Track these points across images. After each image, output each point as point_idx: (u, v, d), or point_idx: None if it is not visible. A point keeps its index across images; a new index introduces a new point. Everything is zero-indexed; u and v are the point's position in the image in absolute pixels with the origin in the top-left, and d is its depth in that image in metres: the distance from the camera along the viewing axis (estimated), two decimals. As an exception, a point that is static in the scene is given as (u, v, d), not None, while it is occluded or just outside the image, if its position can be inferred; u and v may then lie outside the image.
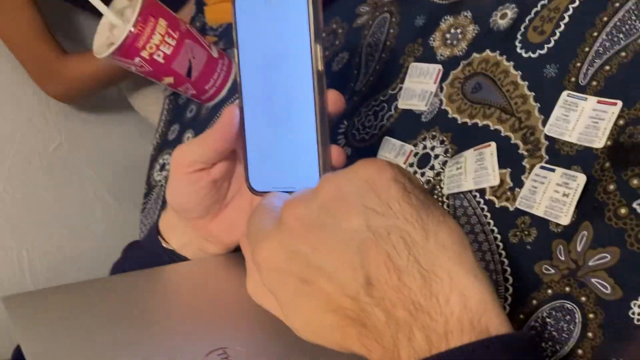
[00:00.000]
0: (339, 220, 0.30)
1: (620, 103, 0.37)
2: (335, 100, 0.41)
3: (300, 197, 0.33)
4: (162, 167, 0.76)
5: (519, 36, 0.45)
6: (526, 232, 0.39)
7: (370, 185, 0.30)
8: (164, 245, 0.54)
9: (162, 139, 0.79)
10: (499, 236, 0.40)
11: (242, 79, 0.44)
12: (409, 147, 0.48)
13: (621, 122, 0.37)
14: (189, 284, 0.50)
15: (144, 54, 0.65)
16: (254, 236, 0.35)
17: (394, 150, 0.49)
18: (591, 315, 0.34)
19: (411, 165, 0.47)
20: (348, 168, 0.32)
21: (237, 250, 0.53)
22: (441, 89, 0.48)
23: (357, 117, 0.54)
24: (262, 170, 0.44)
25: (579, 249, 0.36)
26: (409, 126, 0.49)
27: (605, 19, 0.40)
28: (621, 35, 0.39)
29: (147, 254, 0.55)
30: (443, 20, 0.51)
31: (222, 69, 0.71)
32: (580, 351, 0.34)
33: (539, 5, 0.44)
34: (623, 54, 0.39)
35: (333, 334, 0.30)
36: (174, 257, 0.53)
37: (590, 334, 0.34)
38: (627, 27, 0.39)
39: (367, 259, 0.29)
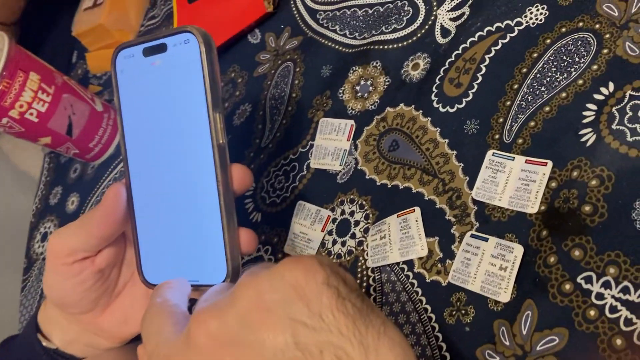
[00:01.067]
0: (261, 337, 0.25)
1: (550, 163, 0.35)
2: (241, 176, 0.36)
3: (212, 306, 0.27)
4: (44, 237, 0.67)
5: (434, 89, 0.41)
6: (463, 311, 0.35)
7: (297, 292, 0.25)
8: (44, 344, 0.45)
9: (43, 204, 0.69)
10: (433, 316, 0.36)
11: (128, 153, 0.38)
12: (326, 213, 0.43)
13: (553, 184, 0.34)
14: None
15: (13, 113, 0.56)
16: (157, 349, 0.28)
17: (309, 217, 0.44)
18: (544, 408, 0.30)
19: (330, 233, 0.42)
20: (271, 270, 0.26)
21: (135, 340, 0.46)
22: (355, 146, 0.44)
23: (266, 178, 0.48)
24: (158, 259, 0.37)
25: (524, 331, 0.32)
26: (324, 188, 0.44)
27: (524, 70, 0.38)
28: (543, 88, 0.37)
29: (23, 354, 0.46)
30: (351, 71, 0.47)
31: (109, 124, 0.63)
32: None
33: (453, 55, 0.41)
34: (547, 108, 0.36)
35: None
36: (56, 358, 0.45)
37: None
38: (547, 79, 0.37)
39: None
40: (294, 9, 0.54)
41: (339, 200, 0.43)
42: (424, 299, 0.37)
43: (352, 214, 0.42)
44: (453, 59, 0.41)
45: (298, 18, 0.53)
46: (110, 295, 0.43)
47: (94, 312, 0.43)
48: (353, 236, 0.41)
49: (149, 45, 0.36)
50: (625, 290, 0.30)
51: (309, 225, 0.44)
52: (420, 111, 0.41)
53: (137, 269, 0.39)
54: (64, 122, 0.60)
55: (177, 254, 0.36)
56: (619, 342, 0.29)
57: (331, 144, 0.45)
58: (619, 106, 0.33)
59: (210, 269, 0.35)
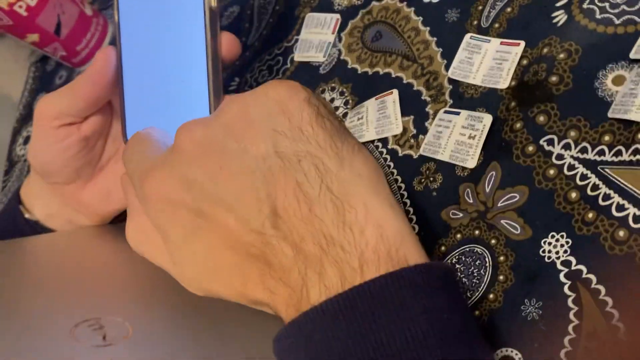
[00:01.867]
0: (244, 145, 0.27)
1: (522, 43, 0.36)
2: (230, 44, 0.37)
3: (198, 119, 0.28)
4: (27, 140, 0.67)
5: (419, -18, 0.43)
6: (431, 179, 0.37)
7: (280, 107, 0.27)
8: (26, 215, 0.46)
9: (27, 110, 0.70)
10: (403, 185, 0.38)
11: (121, 16, 0.38)
12: None
13: (524, 62, 0.36)
14: (54, 255, 0.44)
15: (2, 3, 0.57)
16: (139, 166, 0.29)
17: None
18: (502, 258, 0.32)
19: (309, 118, 0.44)
20: (256, 89, 0.28)
21: (113, 222, 0.47)
22: (340, 39, 0.45)
23: (250, 74, 0.50)
24: (144, 125, 0.38)
25: (487, 190, 0.34)
26: (307, 79, 0.46)
27: (505, -39, 0.39)
28: (521, -22, 0.38)
29: (5, 225, 0.47)
30: (340, -30, 0.48)
31: (97, 29, 0.64)
32: (491, 295, 0.32)
33: (438, -49, 0.43)
34: (524, -5, 0.38)
35: (231, 279, 0.26)
36: (37, 229, 0.46)
37: (501, 277, 0.32)
38: (527, -31, 0.38)
39: (275, 187, 0.26)
40: None
41: (320, 89, 0.45)
42: (395, 171, 0.38)
43: (332, 100, 0.44)
44: (438, -46, 0.43)
45: None
46: (94, 167, 0.44)
47: (76, 184, 0.44)
48: (332, 121, 0.43)
49: None
50: (584, 150, 0.32)
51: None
52: (405, 2, 0.43)
53: (122, 135, 0.40)
54: (52, 21, 0.60)
55: (164, 119, 0.37)
56: (573, 195, 0.31)
57: (316, 37, 0.47)
58: (591, -13, 0.35)
59: None
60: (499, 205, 0.33)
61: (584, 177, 0.31)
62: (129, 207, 0.31)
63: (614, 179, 0.30)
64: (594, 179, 0.31)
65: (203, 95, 0.36)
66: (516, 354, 0.30)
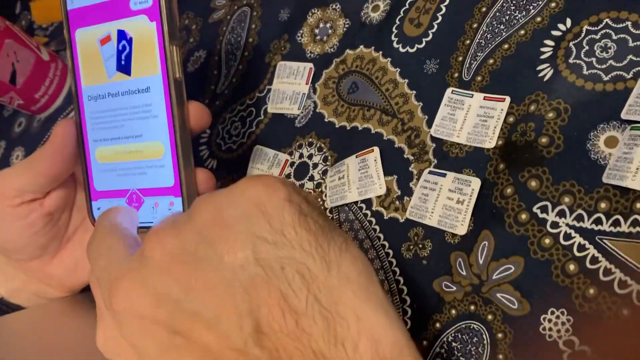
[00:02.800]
0: (220, 253, 0.24)
1: (508, 99, 0.35)
2: (198, 114, 0.35)
3: (168, 223, 0.26)
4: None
5: (394, 29, 0.41)
6: (420, 245, 0.35)
7: (259, 208, 0.24)
8: None
9: (-14, 159, 0.66)
10: (390, 251, 0.36)
11: (79, 86, 0.36)
12: (284, 157, 0.42)
13: (511, 119, 0.34)
14: (21, 338, 0.41)
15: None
16: (106, 272, 0.27)
17: (267, 161, 0.43)
18: (500, 335, 0.31)
19: (288, 176, 0.42)
20: (230, 187, 0.25)
21: (84, 290, 0.44)
22: (314, 90, 0.43)
23: (222, 125, 0.47)
24: (109, 197, 0.36)
25: (480, 261, 0.32)
26: (282, 133, 0.44)
27: (483, 9, 0.38)
28: (502, 27, 0.37)
29: None
30: (310, 14, 0.46)
31: (56, 74, 0.60)
32: (491, 376, 0.30)
33: (413, -4, 0.41)
34: (505, 46, 0.36)
35: None
36: (1, 307, 0.43)
37: (500, 356, 0.30)
38: (507, 17, 0.37)
39: (257, 301, 0.23)
40: (251, -47, 0.52)
41: (297, 144, 0.42)
42: (381, 235, 0.36)
43: (310, 157, 0.41)
44: (413, -1, 0.41)
45: (255, -38, 0.51)
46: (60, 240, 0.41)
47: (42, 259, 0.41)
48: (311, 179, 0.41)
49: None
50: (579, 218, 0.30)
51: (267, 169, 0.43)
52: (381, 52, 0.41)
53: (87, 210, 0.38)
54: (6, 70, 0.57)
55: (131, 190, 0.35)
56: (572, 267, 0.30)
57: (289, 88, 0.44)
58: (576, 41, 0.33)
59: (166, 209, 0.34)
60: (494, 277, 0.32)
61: (581, 247, 0.30)
62: (98, 311, 0.29)
63: (614, 252, 0.29)
64: (592, 251, 0.30)
65: (169, 166, 0.34)
66: None
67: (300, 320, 0.23)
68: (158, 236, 0.25)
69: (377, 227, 0.37)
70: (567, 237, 0.30)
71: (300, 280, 0.23)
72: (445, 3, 0.39)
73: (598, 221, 0.30)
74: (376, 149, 0.38)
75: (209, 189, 0.35)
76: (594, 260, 0.29)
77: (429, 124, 0.37)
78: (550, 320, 0.30)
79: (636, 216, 0.29)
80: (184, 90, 0.34)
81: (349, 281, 0.24)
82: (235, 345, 0.23)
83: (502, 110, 0.35)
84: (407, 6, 0.41)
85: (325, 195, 0.39)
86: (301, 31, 0.46)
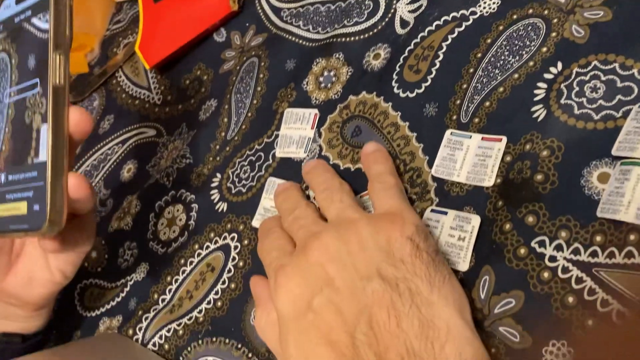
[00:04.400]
0: (358, 267, 0.32)
1: (504, 139, 0.36)
2: (79, 120, 0.35)
3: (329, 229, 0.35)
4: None
5: (394, 76, 0.43)
6: (425, 282, 0.36)
7: (389, 243, 0.33)
8: None
9: None
10: (396, 289, 0.37)
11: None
12: None
13: (508, 158, 0.36)
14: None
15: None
16: (277, 261, 0.36)
17: None
18: (503, 368, 0.31)
19: (294, 218, 0.43)
20: (376, 217, 0.35)
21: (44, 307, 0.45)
22: (319, 134, 0.45)
23: (232, 169, 0.49)
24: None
25: (482, 296, 0.33)
26: (290, 175, 0.45)
27: (479, 55, 0.40)
28: (497, 71, 0.39)
29: None
30: (315, 63, 0.48)
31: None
32: (496, 410, 0.31)
33: (412, 44, 0.43)
34: (500, 89, 0.38)
35: None
36: None
37: (504, 390, 0.31)
38: (501, 62, 0.39)
39: (373, 302, 0.30)
40: (258, 7, 0.55)
41: (304, 185, 0.44)
42: (387, 273, 0.37)
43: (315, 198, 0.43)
44: (412, 47, 0.43)
45: (262, 16, 0.54)
46: (10, 256, 0.42)
47: None
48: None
49: None
50: (576, 252, 0.31)
51: (275, 210, 0.44)
52: (382, 97, 0.43)
53: None
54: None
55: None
56: (570, 299, 0.31)
57: (296, 133, 0.46)
58: (567, 82, 0.35)
59: (34, 214, 0.34)
60: (496, 312, 0.33)
61: (579, 280, 0.31)
62: (258, 296, 0.39)
63: (610, 283, 0.30)
64: (589, 283, 0.31)
65: (42, 173, 0.34)
66: None
67: (401, 322, 0.29)
68: (321, 238, 0.34)
69: (382, 265, 0.38)
70: (565, 270, 0.31)
71: (409, 294, 0.30)
72: (443, 50, 0.42)
73: (594, 254, 0.31)
74: (380, 190, 0.40)
75: (82, 195, 0.35)
76: (591, 291, 0.30)
77: (430, 164, 0.39)
78: (552, 352, 0.30)
79: (630, 248, 0.30)
80: (66, 97, 0.34)
81: (447, 301, 0.30)
82: (349, 329, 0.30)
83: (499, 149, 0.36)
84: (407, 54, 0.43)
85: (332, 235, 0.41)
86: (307, 79, 0.48)
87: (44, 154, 0.33)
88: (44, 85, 0.34)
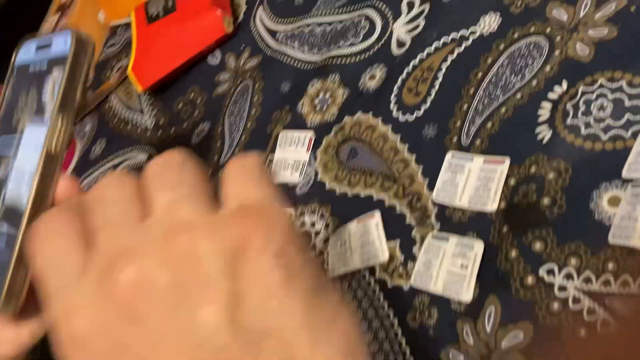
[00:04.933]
0: (188, 305, 0.20)
1: (507, 161, 0.34)
2: (63, 192, 0.29)
3: (153, 246, 0.21)
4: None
5: (392, 98, 0.41)
6: (426, 314, 0.34)
7: (243, 265, 0.20)
8: None
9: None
10: (395, 321, 0.35)
11: None
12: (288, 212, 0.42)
13: (512, 181, 0.34)
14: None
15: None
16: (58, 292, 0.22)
17: None
18: (512, 407, 0.29)
19: (288, 245, 0.41)
20: (225, 218, 0.21)
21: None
22: (315, 157, 0.43)
23: (223, 195, 0.47)
24: None
25: (487, 329, 0.31)
26: (285, 200, 0.43)
27: (479, 75, 0.38)
28: (498, 91, 0.37)
29: None
30: (310, 85, 0.47)
31: None
32: None
33: (410, 66, 0.42)
34: (503, 110, 0.36)
35: None
36: None
37: None
38: (503, 82, 0.37)
39: None
40: (253, 29, 0.54)
41: (299, 211, 0.42)
42: (386, 304, 0.35)
43: (312, 224, 0.41)
44: (410, 69, 0.42)
45: (257, 38, 0.53)
46: None
47: None
48: (313, 247, 0.40)
49: (39, 43, 0.35)
50: (587, 280, 0.29)
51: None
52: (380, 118, 0.41)
53: None
54: None
55: None
56: (582, 332, 0.29)
57: (291, 156, 0.45)
58: (573, 102, 0.34)
59: None
60: (503, 347, 0.30)
61: (591, 311, 0.29)
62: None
63: (621, 313, 0.28)
64: (602, 314, 0.29)
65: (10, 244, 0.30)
66: None
67: None
68: (133, 263, 0.20)
69: (381, 296, 0.36)
70: (576, 301, 0.29)
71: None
72: (442, 71, 0.40)
73: (607, 282, 0.29)
74: (377, 214, 0.38)
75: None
76: (605, 324, 0.28)
77: (430, 187, 0.37)
78: (564, 390, 0.28)
79: (646, 277, 0.28)
80: (57, 167, 0.30)
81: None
82: None
83: (502, 172, 0.34)
84: (405, 75, 0.42)
85: (328, 264, 0.39)
86: (302, 101, 0.47)
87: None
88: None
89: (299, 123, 0.46)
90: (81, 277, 0.21)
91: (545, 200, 0.32)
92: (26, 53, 0.35)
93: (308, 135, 0.44)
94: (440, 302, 0.33)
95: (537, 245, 0.31)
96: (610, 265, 0.29)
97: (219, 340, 0.19)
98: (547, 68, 0.36)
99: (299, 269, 0.20)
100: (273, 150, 0.46)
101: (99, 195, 0.23)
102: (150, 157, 0.55)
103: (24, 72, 0.35)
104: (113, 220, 0.22)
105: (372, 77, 0.44)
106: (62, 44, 0.33)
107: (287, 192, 0.44)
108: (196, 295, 0.19)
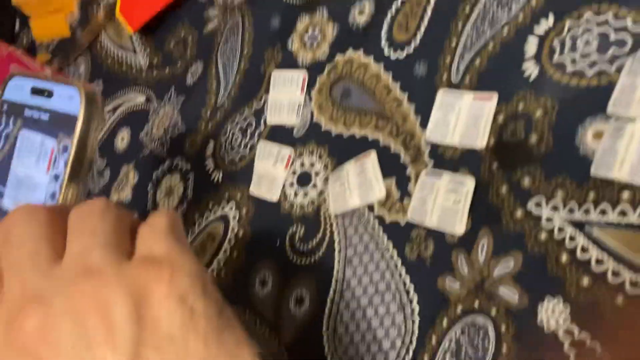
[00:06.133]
0: (92, 350, 0.21)
1: (495, 97, 0.36)
2: None
3: (59, 293, 0.22)
4: None
5: (383, 34, 0.42)
6: (423, 246, 0.36)
7: (148, 308, 0.21)
8: None
9: None
10: (395, 253, 0.37)
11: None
12: (287, 151, 0.44)
13: (501, 118, 0.35)
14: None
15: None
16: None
17: (271, 156, 0.45)
18: (503, 328, 0.32)
19: (291, 185, 0.43)
20: (132, 267, 0.22)
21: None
22: (310, 98, 0.44)
23: (224, 136, 0.49)
24: None
25: (481, 259, 0.34)
26: (282, 141, 0.45)
27: (467, 9, 0.39)
28: (486, 26, 0.38)
29: None
30: (299, 21, 0.47)
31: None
32: (497, 368, 0.32)
33: (399, 1, 0.42)
34: (490, 45, 0.37)
35: None
36: None
37: (504, 349, 0.32)
38: (490, 16, 0.38)
39: None
40: (238, -38, 0.53)
41: (298, 152, 0.44)
42: (385, 238, 0.38)
43: (312, 165, 0.43)
44: (399, 4, 0.42)
45: (243, -28, 0.52)
46: None
47: None
48: (314, 186, 0.42)
49: (38, 85, 0.32)
50: (571, 211, 0.32)
51: (272, 165, 0.44)
52: (371, 56, 0.42)
53: None
54: None
55: None
56: (564, 258, 0.31)
57: (286, 97, 0.46)
58: (560, 37, 0.34)
59: None
60: (495, 274, 0.33)
61: (572, 238, 0.31)
62: None
63: (601, 241, 0.30)
64: (582, 240, 0.31)
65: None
66: None
67: None
68: (39, 309, 0.21)
69: (381, 230, 0.38)
70: (560, 230, 0.32)
71: None
72: (431, 6, 0.40)
73: (587, 211, 0.31)
74: (373, 153, 0.40)
75: None
76: (584, 250, 0.31)
77: (423, 125, 0.38)
78: (547, 310, 0.31)
79: (623, 206, 0.30)
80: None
81: None
82: None
83: (490, 108, 0.36)
84: (394, 11, 0.42)
85: (329, 203, 0.41)
86: (291, 38, 0.47)
87: None
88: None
89: (290, 62, 0.46)
90: None
91: (533, 138, 0.34)
92: (18, 91, 0.33)
93: (301, 75, 0.45)
94: (436, 235, 0.36)
95: (526, 181, 0.33)
96: (592, 195, 0.31)
97: None
98: (533, 2, 0.36)
99: (201, 312, 0.22)
100: (267, 91, 0.47)
101: (7, 232, 0.23)
102: (148, 99, 0.56)
103: (16, 111, 0.33)
104: (21, 262, 0.22)
105: (361, 11, 0.44)
106: (67, 100, 0.31)
107: (285, 133, 0.45)
108: (99, 341, 0.20)
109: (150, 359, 0.20)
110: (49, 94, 0.32)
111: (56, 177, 0.32)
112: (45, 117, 0.33)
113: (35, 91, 0.33)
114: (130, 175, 0.54)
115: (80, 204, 0.24)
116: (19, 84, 0.34)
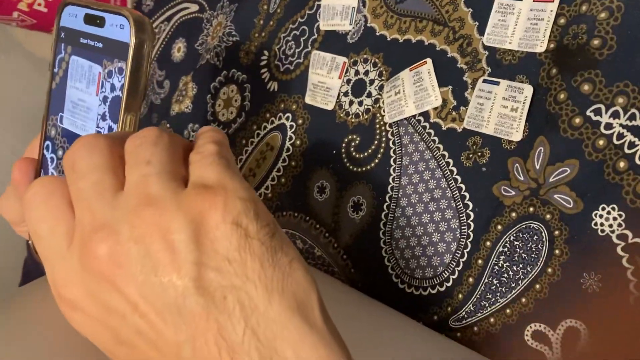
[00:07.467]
0: (159, 273, 0.22)
1: (558, -1, 0.34)
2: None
3: (123, 221, 0.23)
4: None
5: None
6: (479, 154, 0.37)
7: (205, 233, 0.23)
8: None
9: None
10: (451, 161, 0.38)
11: (48, 121, 0.35)
12: (341, 60, 0.44)
13: (562, 20, 0.34)
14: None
15: (22, 6, 0.56)
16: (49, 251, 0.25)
17: (326, 65, 0.45)
18: (557, 232, 0.33)
19: (346, 94, 0.44)
20: (188, 195, 0.23)
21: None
22: (363, 3, 0.44)
23: (277, 45, 0.49)
24: None
25: (537, 166, 0.34)
26: (336, 50, 0.45)
27: None
28: None
29: None
30: None
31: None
32: (550, 269, 0.34)
33: None
34: (555, -59, 0.35)
35: None
36: None
37: (557, 251, 0.33)
38: None
39: (194, 332, 0.22)
40: None
41: (352, 60, 0.44)
42: (441, 146, 0.39)
43: (366, 73, 0.43)
44: None
45: None
46: None
47: None
48: (369, 95, 0.43)
49: (91, 12, 0.32)
50: (632, 117, 0.31)
51: (326, 73, 0.45)
52: (426, -42, 0.40)
53: None
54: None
55: None
56: (622, 164, 0.31)
57: (339, 2, 0.45)
58: None
59: None
60: (551, 180, 0.34)
61: (631, 145, 0.31)
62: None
63: (666, 149, 0.30)
64: (645, 149, 0.31)
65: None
66: (580, 325, 0.32)
67: (235, 356, 0.22)
68: (105, 237, 0.23)
69: (437, 138, 0.39)
70: (620, 136, 0.32)
71: (240, 312, 0.22)
72: None
73: (651, 120, 0.31)
74: (429, 61, 0.39)
75: None
76: (647, 159, 0.31)
77: (480, 30, 0.37)
78: (601, 216, 0.32)
79: (689, 114, 0.29)
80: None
81: (291, 311, 0.23)
82: None
83: (551, 11, 0.34)
84: None
85: (384, 111, 0.41)
86: (345, -59, 0.45)
87: None
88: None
89: (343, -34, 0.45)
90: (68, 248, 0.24)
91: (596, 42, 0.33)
92: (71, 19, 0.33)
93: (354, -20, 0.44)
94: (492, 142, 0.36)
95: (586, 87, 0.33)
96: (656, 102, 0.31)
97: (188, 300, 0.22)
98: None
99: (254, 234, 0.23)
100: (321, -3, 0.46)
101: (72, 163, 0.25)
102: (201, 8, 0.56)
103: (72, 39, 0.33)
104: (88, 192, 0.24)
105: None
106: (118, 28, 0.31)
107: (339, 39, 0.45)
108: (165, 264, 0.22)
109: (212, 279, 0.22)
110: (101, 22, 0.33)
111: (105, 100, 0.33)
112: (98, 44, 0.34)
113: (88, 19, 0.34)
114: (188, 87, 0.55)
115: (134, 134, 0.26)
116: (72, 12, 0.34)
